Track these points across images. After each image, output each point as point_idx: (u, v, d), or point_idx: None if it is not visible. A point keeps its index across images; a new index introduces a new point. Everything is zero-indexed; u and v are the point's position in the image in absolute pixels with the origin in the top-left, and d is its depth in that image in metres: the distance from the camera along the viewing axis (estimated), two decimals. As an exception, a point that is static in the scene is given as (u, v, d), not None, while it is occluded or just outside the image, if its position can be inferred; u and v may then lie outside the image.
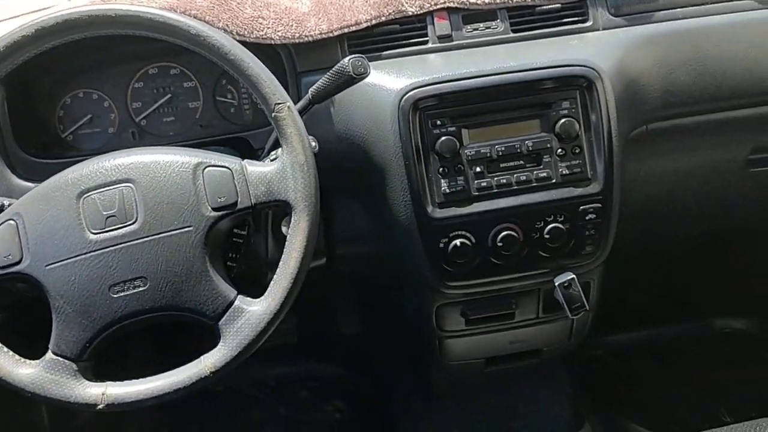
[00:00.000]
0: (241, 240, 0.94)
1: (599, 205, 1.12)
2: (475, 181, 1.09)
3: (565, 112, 1.10)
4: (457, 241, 1.10)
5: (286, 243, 0.85)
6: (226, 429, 1.79)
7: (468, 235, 1.11)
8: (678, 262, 2.13)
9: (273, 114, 0.87)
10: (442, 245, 1.11)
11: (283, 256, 0.85)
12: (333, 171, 1.17)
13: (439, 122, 1.08)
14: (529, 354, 1.37)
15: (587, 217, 1.12)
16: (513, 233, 1.11)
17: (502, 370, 1.53)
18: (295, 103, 0.94)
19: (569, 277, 1.15)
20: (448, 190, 1.09)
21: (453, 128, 1.08)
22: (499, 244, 1.11)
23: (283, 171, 0.86)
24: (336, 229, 1.22)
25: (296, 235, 0.84)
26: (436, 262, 1.12)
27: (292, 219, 0.85)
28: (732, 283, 2.02)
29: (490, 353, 1.34)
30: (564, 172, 1.10)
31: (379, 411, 1.75)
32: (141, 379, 0.85)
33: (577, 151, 1.10)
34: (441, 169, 1.09)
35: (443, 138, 1.08)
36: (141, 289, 0.85)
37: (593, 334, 1.87)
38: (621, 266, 2.10)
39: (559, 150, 1.10)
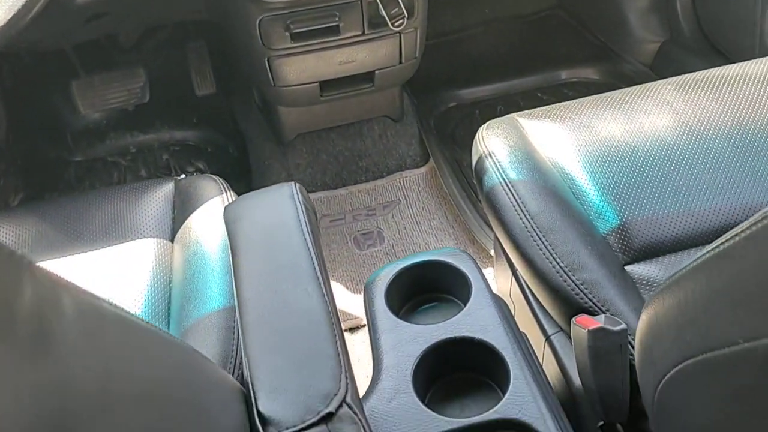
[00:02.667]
0: None
1: None
2: None
3: None
4: (266, -62, 1.09)
5: None
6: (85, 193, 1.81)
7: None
8: (528, 21, 2.19)
9: None
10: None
11: None
12: None
13: None
14: (363, 78, 1.41)
15: None
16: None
17: (344, 104, 1.58)
18: None
19: (384, -21, 1.17)
20: None
21: None
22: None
23: None
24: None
25: None
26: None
27: None
28: (579, 34, 2.10)
29: (321, 76, 1.37)
30: None
31: (237, 166, 1.79)
32: None
33: None
34: None
35: None
36: None
37: (448, 90, 1.96)
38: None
39: None
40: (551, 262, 0.88)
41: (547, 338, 0.93)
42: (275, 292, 0.56)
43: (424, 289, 0.93)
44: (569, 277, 0.86)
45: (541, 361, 0.92)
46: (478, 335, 0.81)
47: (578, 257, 0.88)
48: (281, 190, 0.67)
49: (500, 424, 0.73)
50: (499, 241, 1.05)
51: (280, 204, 0.64)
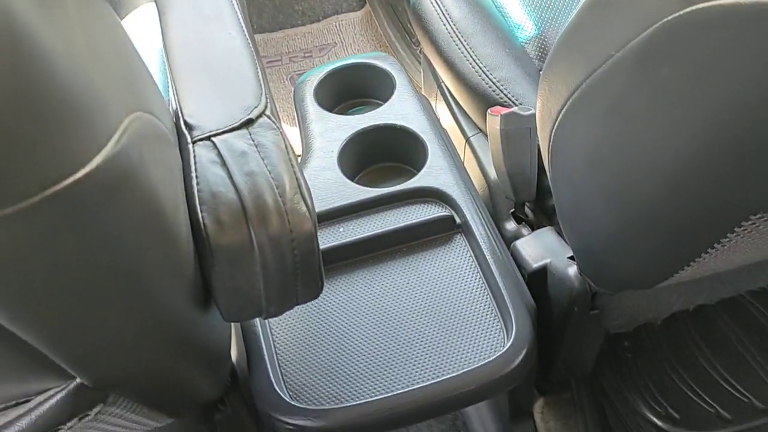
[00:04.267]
0: None
1: None
2: None
3: None
4: None
5: None
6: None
7: None
8: None
9: None
10: None
11: None
12: None
13: None
14: None
15: None
16: None
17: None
18: None
19: None
20: None
21: None
22: None
23: None
24: None
25: None
26: None
27: None
28: None
29: None
30: None
31: None
32: None
33: None
34: None
35: None
36: None
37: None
38: None
39: None
40: (471, 63, 0.93)
41: (467, 140, 0.99)
42: (200, 35, 0.59)
43: (353, 93, 0.97)
44: (487, 75, 0.91)
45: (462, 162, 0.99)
46: (401, 122, 0.87)
47: (496, 58, 0.93)
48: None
49: (417, 191, 0.80)
50: (427, 58, 1.10)
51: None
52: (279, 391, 0.66)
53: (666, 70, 0.47)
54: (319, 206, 0.79)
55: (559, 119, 0.62)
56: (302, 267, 0.50)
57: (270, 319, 0.73)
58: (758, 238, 0.62)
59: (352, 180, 0.85)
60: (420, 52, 1.58)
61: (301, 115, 0.91)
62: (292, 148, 0.52)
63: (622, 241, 0.64)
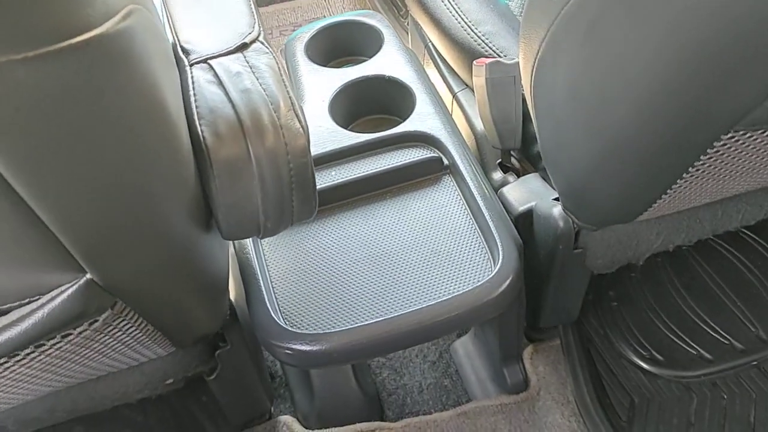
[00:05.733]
0: None
1: None
2: None
3: None
4: None
5: None
6: None
7: None
8: None
9: None
10: None
11: None
12: None
13: None
14: None
15: None
16: None
17: None
18: None
19: None
20: None
21: None
22: None
23: None
24: None
25: None
26: None
27: None
28: None
29: None
30: None
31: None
32: None
33: None
34: None
35: None
36: None
37: None
38: None
39: None
40: (456, 19, 0.96)
41: (454, 95, 1.02)
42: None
43: (342, 50, 1.00)
44: (472, 30, 0.94)
45: (449, 117, 1.02)
46: (389, 74, 0.90)
47: (480, 13, 0.96)
48: None
49: (406, 136, 0.83)
50: (414, 20, 1.12)
51: None
52: (276, 319, 0.69)
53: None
54: (312, 151, 0.81)
55: (540, 52, 0.64)
56: (297, 181, 0.53)
57: (266, 256, 0.75)
58: (730, 164, 0.65)
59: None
60: (407, 23, 1.61)
61: (291, 69, 0.93)
62: (285, 71, 0.55)
63: (602, 172, 0.67)
